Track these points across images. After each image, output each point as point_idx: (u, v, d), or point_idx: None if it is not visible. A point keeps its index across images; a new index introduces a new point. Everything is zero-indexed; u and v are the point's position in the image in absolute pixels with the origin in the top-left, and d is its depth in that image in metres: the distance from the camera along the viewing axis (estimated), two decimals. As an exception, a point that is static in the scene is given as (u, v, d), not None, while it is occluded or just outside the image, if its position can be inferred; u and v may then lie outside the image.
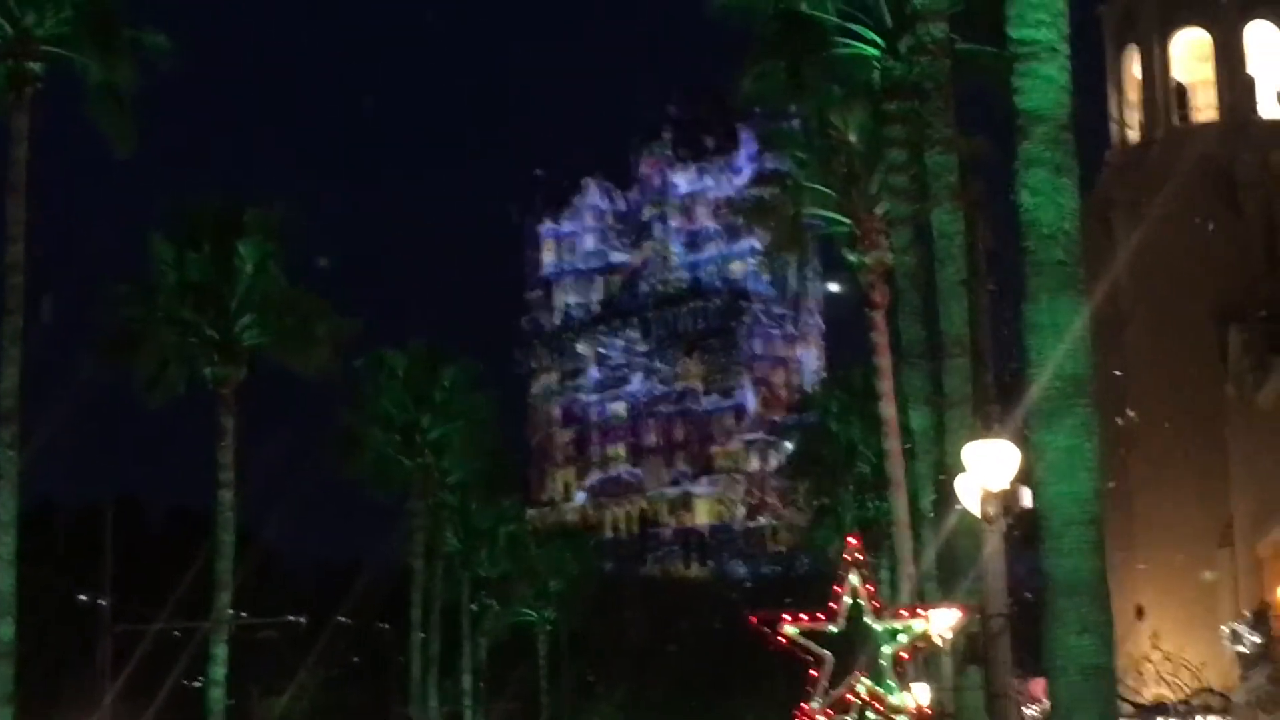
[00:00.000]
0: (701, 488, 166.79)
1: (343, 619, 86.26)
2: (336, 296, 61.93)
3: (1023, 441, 21.25)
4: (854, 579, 27.82)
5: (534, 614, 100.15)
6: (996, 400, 30.10)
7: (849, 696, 26.73)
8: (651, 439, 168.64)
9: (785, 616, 28.25)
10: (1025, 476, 22.90)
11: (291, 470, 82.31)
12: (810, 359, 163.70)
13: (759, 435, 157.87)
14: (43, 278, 41.21)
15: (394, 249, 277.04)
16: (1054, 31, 18.21)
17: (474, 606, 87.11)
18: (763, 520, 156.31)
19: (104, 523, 62.80)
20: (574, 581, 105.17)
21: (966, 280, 31.95)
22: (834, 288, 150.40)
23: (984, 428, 27.79)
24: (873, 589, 28.40)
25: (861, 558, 28.52)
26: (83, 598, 68.74)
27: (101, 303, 53.77)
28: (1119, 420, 51.72)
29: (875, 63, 37.90)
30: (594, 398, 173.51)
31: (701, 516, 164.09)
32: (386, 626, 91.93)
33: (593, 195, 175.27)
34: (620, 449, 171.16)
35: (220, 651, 50.77)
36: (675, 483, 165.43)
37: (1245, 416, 50.91)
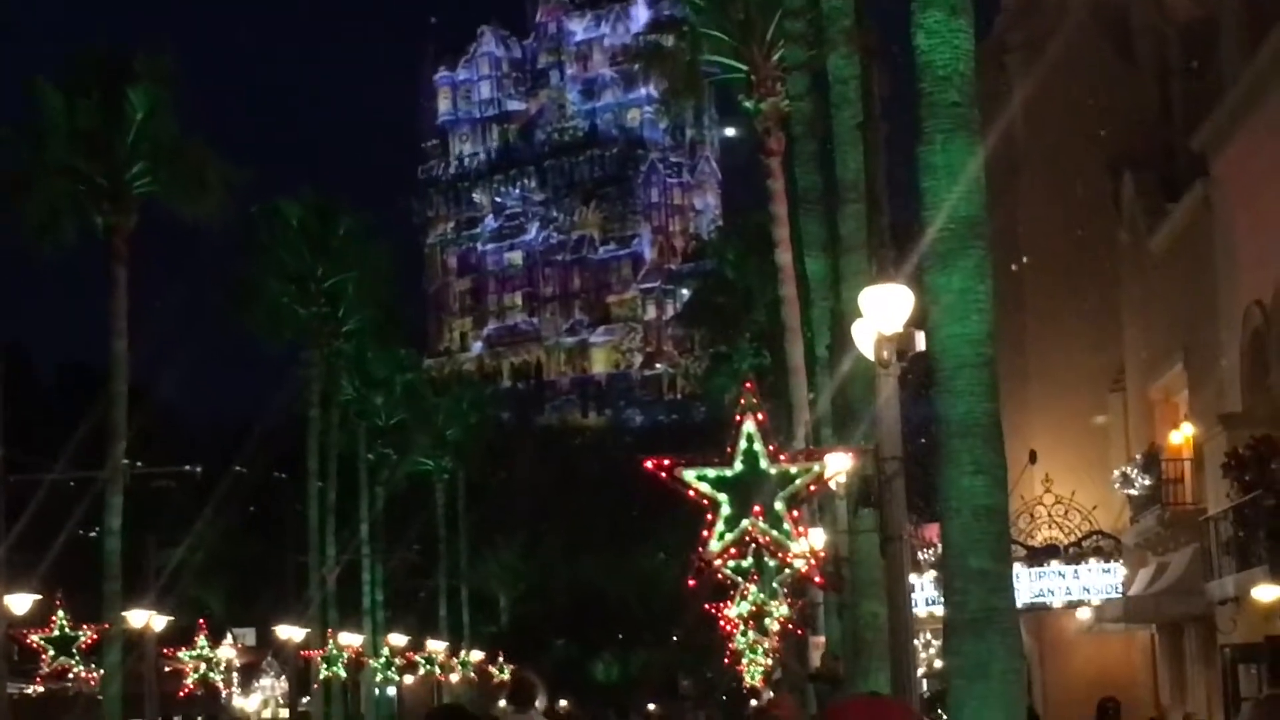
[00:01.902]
0: (598, 336, 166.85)
1: (240, 469, 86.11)
2: (230, 146, 61.38)
3: (918, 286, 20.97)
4: (749, 424, 27.66)
5: (431, 463, 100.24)
6: (892, 245, 29.88)
7: (745, 540, 26.69)
8: (548, 288, 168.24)
9: (680, 461, 28.10)
10: (920, 321, 22.66)
11: (186, 321, 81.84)
12: (707, 207, 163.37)
13: (656, 284, 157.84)
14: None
15: (290, 99, 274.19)
16: None
17: (371, 456, 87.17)
18: (660, 368, 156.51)
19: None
20: (471, 430, 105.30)
21: (861, 125, 31.75)
22: (730, 132, 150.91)
23: (879, 272, 27.66)
24: (768, 433, 28.25)
25: (757, 402, 28.33)
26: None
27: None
28: (1014, 267, 51.88)
29: (773, -95, 38.03)
30: (490, 247, 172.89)
31: (598, 365, 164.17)
32: (284, 477, 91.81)
33: (489, 43, 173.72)
34: (517, 298, 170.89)
35: (116, 501, 50.87)
36: (572, 332, 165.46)
37: (1138, 262, 51.17)
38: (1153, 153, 51.06)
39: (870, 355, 26.69)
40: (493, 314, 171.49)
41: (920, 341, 23.38)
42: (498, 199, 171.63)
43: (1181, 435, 48.18)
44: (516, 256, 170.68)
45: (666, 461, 28.02)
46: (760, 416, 28.49)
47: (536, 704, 22.04)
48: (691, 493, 27.55)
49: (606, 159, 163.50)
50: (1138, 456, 48.73)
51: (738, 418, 28.20)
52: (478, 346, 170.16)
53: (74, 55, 53.78)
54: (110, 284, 51.89)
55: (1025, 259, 53.59)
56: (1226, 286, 43.45)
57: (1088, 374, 53.17)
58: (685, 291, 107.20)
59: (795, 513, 26.85)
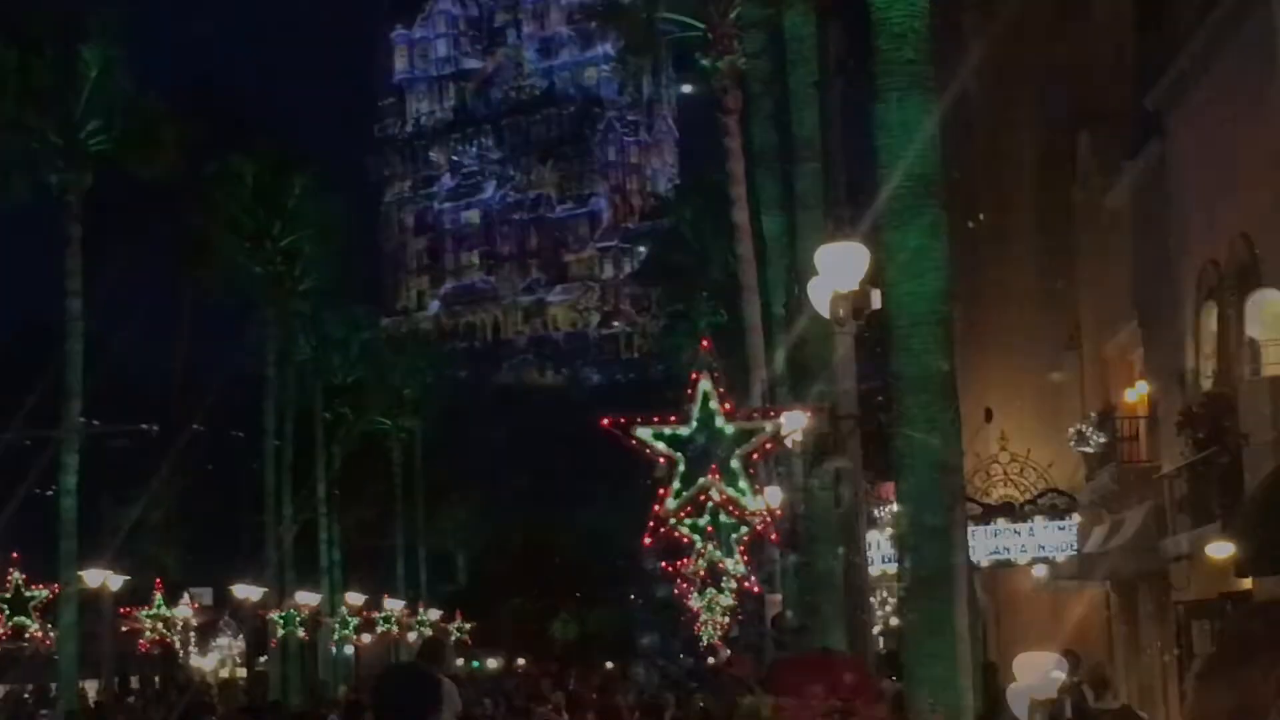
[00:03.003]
0: (556, 295, 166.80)
1: (196, 427, 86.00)
2: (182, 101, 61.17)
3: (875, 244, 21.25)
4: (705, 382, 27.76)
5: (389, 422, 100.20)
6: (849, 203, 30.04)
7: (702, 498, 26.79)
8: (505, 247, 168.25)
9: (638, 420, 28.18)
10: (876, 278, 22.86)
11: (141, 279, 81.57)
12: (664, 166, 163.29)
13: (613, 243, 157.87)
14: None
15: (244, 54, 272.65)
16: None
17: (328, 415, 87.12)
18: (617, 327, 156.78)
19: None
20: (428, 389, 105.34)
21: (818, 83, 31.85)
22: (687, 89, 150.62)
23: (835, 230, 27.79)
24: (724, 391, 28.34)
25: (712, 360, 28.42)
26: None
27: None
28: (969, 224, 51.97)
29: None
30: (447, 206, 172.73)
31: (556, 324, 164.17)
32: (240, 435, 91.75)
33: (445, 1, 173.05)
34: (474, 257, 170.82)
35: (71, 460, 50.90)
36: (529, 290, 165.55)
37: (1093, 220, 51.26)
38: (1108, 111, 51.14)
39: (826, 313, 26.89)
40: (450, 273, 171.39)
41: (876, 299, 23.54)
42: (454, 158, 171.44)
43: (1136, 393, 48.38)
44: (474, 215, 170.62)
45: (623, 420, 28.12)
46: (716, 375, 28.61)
47: (447, 663, 22.07)
48: (648, 451, 27.67)
49: (563, 118, 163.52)
50: (1093, 414, 48.92)
51: (693, 376, 28.31)
52: (435, 305, 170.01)
53: (28, 12, 53.59)
54: (64, 242, 51.84)
55: (981, 217, 53.74)
56: (1181, 245, 43.61)
57: (1043, 332, 53.31)
58: (643, 250, 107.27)
59: (751, 470, 27.01)
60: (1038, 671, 26.05)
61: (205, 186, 69.10)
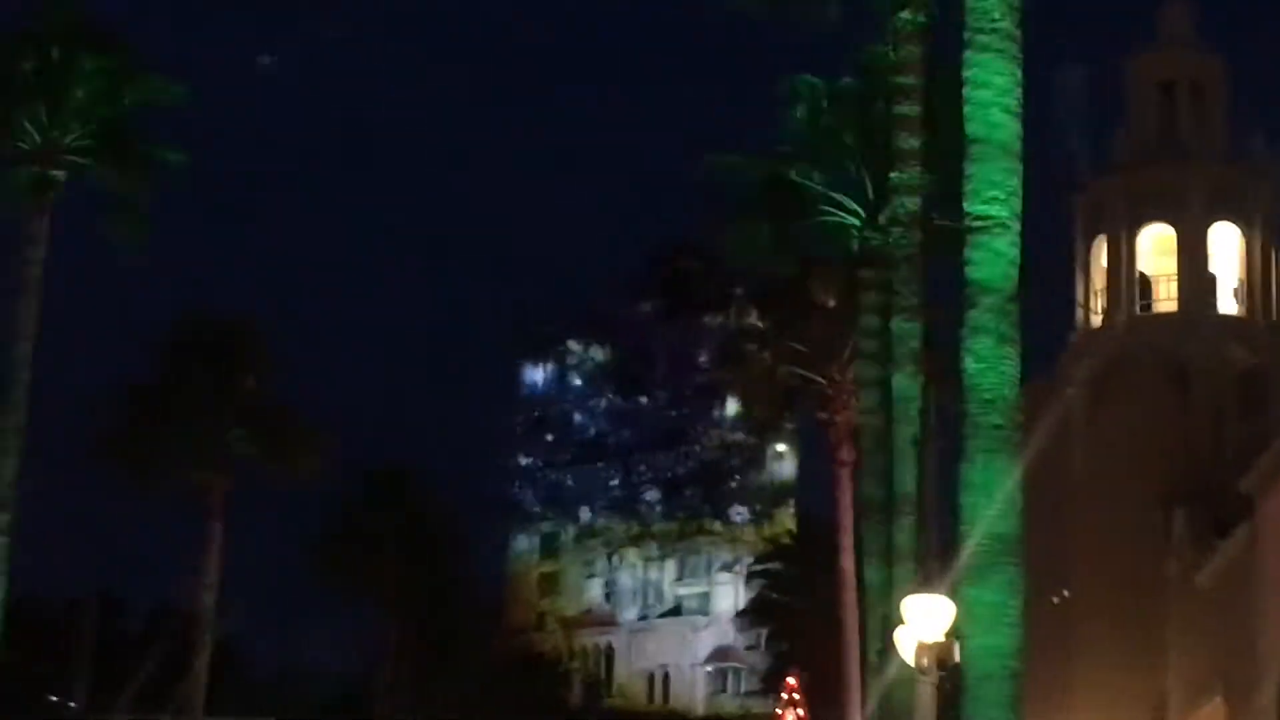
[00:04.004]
0: (668, 626, 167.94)
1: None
2: (328, 405, 63.87)
3: (959, 597, 21.65)
4: (790, 717, 29.50)
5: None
6: (938, 556, 31.26)
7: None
8: (625, 578, 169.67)
9: None
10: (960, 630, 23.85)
11: (269, 575, 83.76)
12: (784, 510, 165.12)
13: (726, 581, 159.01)
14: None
15: (394, 364, 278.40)
16: (1006, 208, 19.15)
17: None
18: (727, 664, 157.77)
19: (86, 618, 64.57)
20: (541, 706, 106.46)
21: (917, 440, 33.27)
22: (781, 448, 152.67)
23: (925, 582, 29.27)
24: None
25: (799, 697, 30.16)
26: (54, 698, 70.09)
27: (99, 407, 55.59)
28: (1054, 600, 53.39)
29: (855, 231, 39.41)
30: (573, 532, 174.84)
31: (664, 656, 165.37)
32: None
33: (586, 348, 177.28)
34: (596, 585, 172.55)
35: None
36: (643, 618, 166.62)
37: (1184, 594, 52.70)
38: (1203, 490, 52.85)
39: (911, 661, 28.31)
40: (571, 598, 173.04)
41: (958, 652, 24.80)
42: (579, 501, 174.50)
43: (1219, 766, 49.30)
44: (597, 544, 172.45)
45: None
46: (801, 713, 30.35)
47: None
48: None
49: (690, 458, 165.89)
50: (1175, 783, 49.87)
51: (779, 711, 30.10)
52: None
53: (188, 319, 56.14)
54: (206, 540, 53.75)
55: (1075, 584, 55.08)
56: (1266, 624, 45.06)
57: (1130, 699, 54.34)
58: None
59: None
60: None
61: (340, 491, 71.26)
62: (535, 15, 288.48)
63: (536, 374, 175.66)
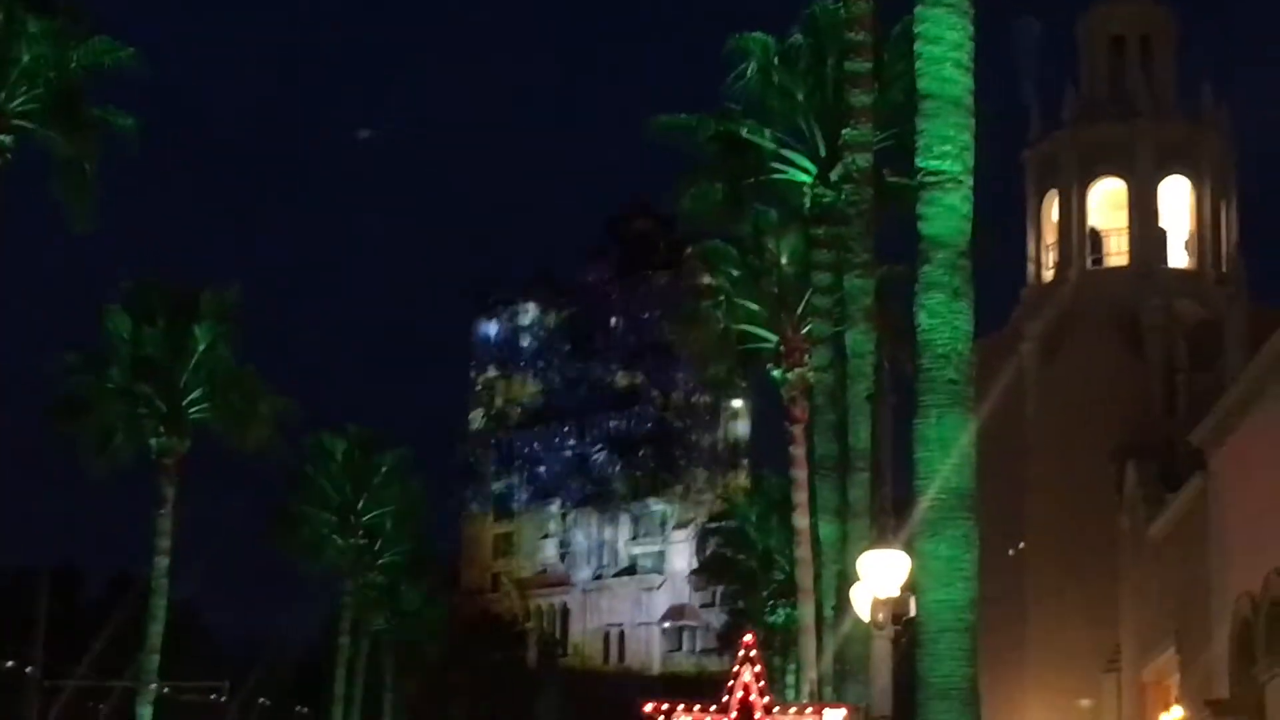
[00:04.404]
0: (623, 587, 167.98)
1: (263, 701, 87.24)
2: (280, 373, 63.65)
3: (913, 552, 21.30)
4: (746, 675, 29.54)
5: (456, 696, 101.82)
6: (892, 512, 31.40)
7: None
8: (580, 537, 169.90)
9: (680, 707, 29.83)
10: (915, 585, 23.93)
11: (224, 539, 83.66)
12: (735, 469, 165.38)
13: (682, 540, 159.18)
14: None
15: (345, 330, 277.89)
16: (958, 164, 18.95)
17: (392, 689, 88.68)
18: (682, 622, 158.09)
19: (41, 587, 64.46)
20: (497, 668, 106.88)
21: (871, 397, 33.41)
22: (737, 403, 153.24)
23: (879, 538, 29.43)
24: (764, 685, 29.99)
25: (754, 654, 30.18)
26: (10, 663, 69.93)
27: (52, 371, 55.32)
28: (1010, 552, 53.79)
29: (807, 189, 39.46)
30: (525, 495, 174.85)
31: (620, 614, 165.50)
32: (305, 710, 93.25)
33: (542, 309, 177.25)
34: (549, 545, 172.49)
35: (145, 713, 52.17)
36: (597, 577, 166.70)
37: (1136, 548, 53.10)
38: (1155, 443, 53.22)
39: (867, 617, 28.47)
40: (525, 558, 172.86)
41: (914, 606, 24.89)
42: (535, 450, 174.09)
43: (1172, 718, 49.64)
44: (553, 506, 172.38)
45: (665, 706, 29.90)
46: (758, 669, 30.36)
47: None
48: (687, 739, 29.42)
49: (643, 418, 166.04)
50: (1129, 736, 50.31)
51: (735, 669, 30.15)
52: (509, 588, 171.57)
53: (144, 285, 55.90)
54: (158, 502, 53.57)
55: (1029, 537, 55.49)
56: (1219, 576, 45.35)
57: (1084, 652, 54.81)
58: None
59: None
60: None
61: (297, 458, 71.25)
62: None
63: (490, 332, 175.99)
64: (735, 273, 48.64)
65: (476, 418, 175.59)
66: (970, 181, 19.23)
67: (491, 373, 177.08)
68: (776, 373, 47.18)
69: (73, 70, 42.74)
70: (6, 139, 41.37)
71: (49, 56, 42.17)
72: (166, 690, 60.45)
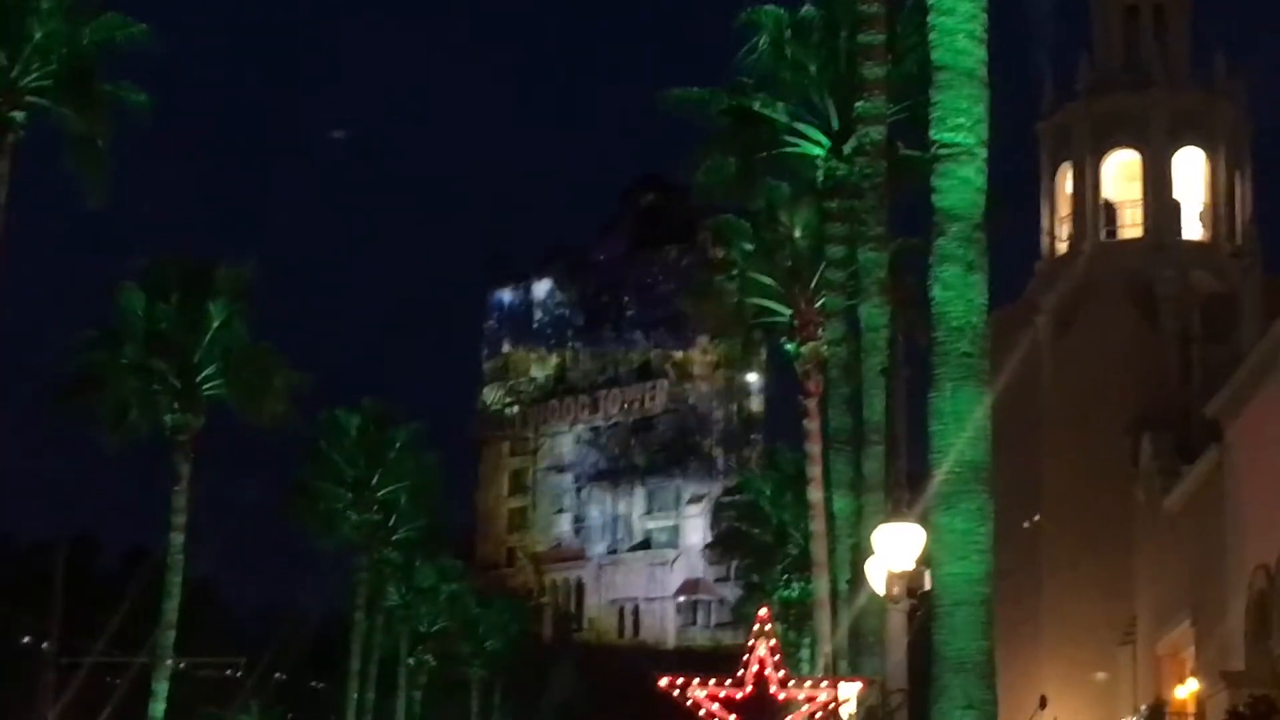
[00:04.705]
0: (638, 560, 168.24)
1: (279, 676, 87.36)
2: (295, 348, 63.54)
3: (928, 526, 21.23)
4: (761, 649, 29.54)
5: (470, 670, 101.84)
6: (907, 485, 31.37)
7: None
8: (594, 511, 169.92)
9: (696, 681, 29.83)
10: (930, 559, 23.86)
11: (240, 515, 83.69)
12: (749, 440, 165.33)
13: (697, 514, 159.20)
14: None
15: (360, 305, 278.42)
16: (972, 136, 18.90)
17: (411, 660, 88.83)
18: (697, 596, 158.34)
19: (58, 559, 64.34)
20: (511, 643, 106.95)
21: (885, 370, 33.35)
22: (752, 377, 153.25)
23: (894, 512, 29.40)
24: (779, 659, 29.96)
25: (769, 628, 30.16)
26: (26, 639, 70.09)
27: (68, 347, 55.34)
28: (1025, 525, 53.76)
29: (820, 162, 39.31)
30: (541, 469, 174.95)
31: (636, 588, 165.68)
32: (321, 686, 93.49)
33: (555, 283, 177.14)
34: (564, 521, 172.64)
35: (161, 688, 52.23)
36: (611, 552, 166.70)
37: (1152, 520, 53.05)
38: (1170, 415, 53.16)
39: (882, 591, 28.45)
40: (540, 532, 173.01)
41: (929, 580, 24.83)
42: (551, 425, 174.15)
43: (1187, 690, 49.64)
44: (566, 480, 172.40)
45: (680, 680, 29.88)
46: (773, 643, 30.33)
47: None
48: (703, 712, 29.44)
49: (657, 392, 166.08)
50: (1143, 709, 50.22)
51: (750, 644, 30.12)
52: (524, 564, 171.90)
53: (159, 261, 55.84)
54: (173, 478, 53.54)
55: (1038, 517, 55.40)
56: (1234, 549, 45.32)
57: (1100, 625, 54.79)
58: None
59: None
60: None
61: (311, 433, 71.26)
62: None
63: (504, 306, 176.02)
64: (748, 246, 48.54)
65: (490, 392, 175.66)
66: (984, 154, 19.14)
67: (505, 347, 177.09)
68: (790, 346, 47.08)
69: (85, 46, 42.75)
70: (19, 115, 41.41)
71: (61, 32, 42.15)
72: (183, 666, 60.66)
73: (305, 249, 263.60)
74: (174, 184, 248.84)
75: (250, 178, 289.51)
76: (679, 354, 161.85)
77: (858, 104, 34.36)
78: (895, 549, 27.52)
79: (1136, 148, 61.61)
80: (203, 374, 54.00)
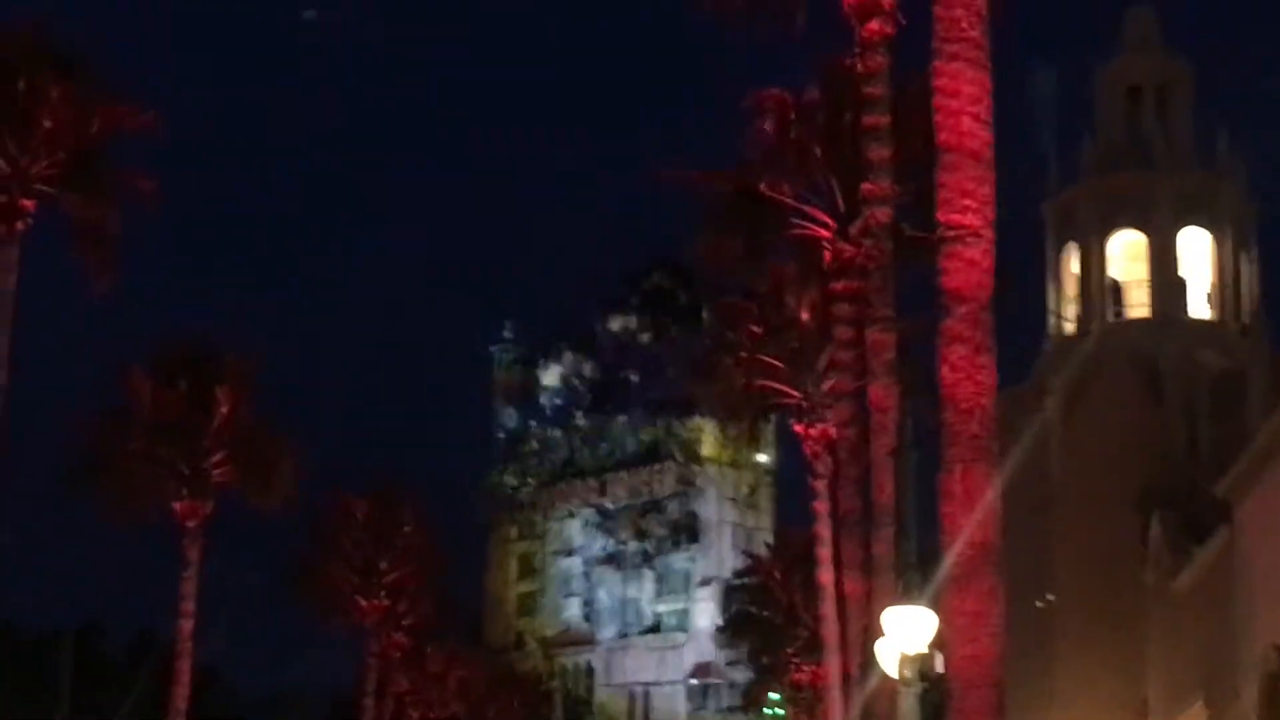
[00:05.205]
0: (649, 644, 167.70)
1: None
2: (299, 423, 63.39)
3: (941, 607, 21.61)
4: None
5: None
6: (917, 567, 31.26)
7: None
8: (604, 595, 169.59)
9: None
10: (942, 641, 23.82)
11: (247, 597, 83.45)
12: (758, 525, 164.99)
13: (706, 598, 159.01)
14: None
15: (368, 383, 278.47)
16: (979, 217, 19.09)
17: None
18: (708, 680, 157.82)
19: (65, 649, 64.39)
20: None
21: (894, 451, 33.28)
22: (762, 458, 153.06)
23: (905, 594, 29.27)
24: None
25: (782, 712, 30.11)
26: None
27: (75, 432, 55.30)
28: (1038, 604, 53.61)
29: (826, 243, 39.35)
30: (550, 552, 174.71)
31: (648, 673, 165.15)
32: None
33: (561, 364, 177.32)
34: (575, 605, 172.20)
35: (172, 774, 52.08)
36: (621, 635, 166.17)
37: (1162, 600, 52.86)
38: (1179, 494, 53.04)
39: (893, 673, 28.27)
40: (549, 615, 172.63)
41: (941, 663, 24.69)
42: (560, 507, 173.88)
43: (1202, 770, 49.40)
44: (574, 564, 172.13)
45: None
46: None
47: None
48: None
49: (665, 474, 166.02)
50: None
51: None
52: (533, 646, 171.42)
53: (166, 345, 55.84)
54: (182, 564, 53.37)
55: (1050, 598, 55.23)
56: (1246, 628, 45.12)
57: (1112, 705, 54.52)
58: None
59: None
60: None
61: (319, 516, 71.10)
62: (515, 40, 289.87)
63: (512, 382, 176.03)
64: (755, 328, 48.53)
65: (497, 475, 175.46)
66: (991, 234, 19.31)
67: (512, 428, 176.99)
68: (799, 428, 46.98)
69: (93, 134, 42.88)
70: (29, 204, 41.48)
71: (70, 121, 42.29)
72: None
73: (310, 325, 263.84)
74: (180, 261, 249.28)
75: (255, 256, 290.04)
76: (686, 435, 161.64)
77: (863, 185, 34.41)
78: (906, 631, 27.27)
79: (1141, 228, 61.69)
80: (211, 460, 53.90)
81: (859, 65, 34.43)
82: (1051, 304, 63.53)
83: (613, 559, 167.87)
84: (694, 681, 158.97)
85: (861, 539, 36.22)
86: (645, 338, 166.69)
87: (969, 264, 19.13)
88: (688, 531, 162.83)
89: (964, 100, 19.28)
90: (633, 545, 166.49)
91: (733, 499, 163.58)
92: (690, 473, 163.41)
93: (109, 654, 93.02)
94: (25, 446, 55.21)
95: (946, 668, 19.27)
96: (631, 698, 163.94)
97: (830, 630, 44.86)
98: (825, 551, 45.02)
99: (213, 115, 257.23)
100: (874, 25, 33.09)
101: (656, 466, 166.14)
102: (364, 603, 74.30)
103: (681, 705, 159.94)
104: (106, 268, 43.00)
